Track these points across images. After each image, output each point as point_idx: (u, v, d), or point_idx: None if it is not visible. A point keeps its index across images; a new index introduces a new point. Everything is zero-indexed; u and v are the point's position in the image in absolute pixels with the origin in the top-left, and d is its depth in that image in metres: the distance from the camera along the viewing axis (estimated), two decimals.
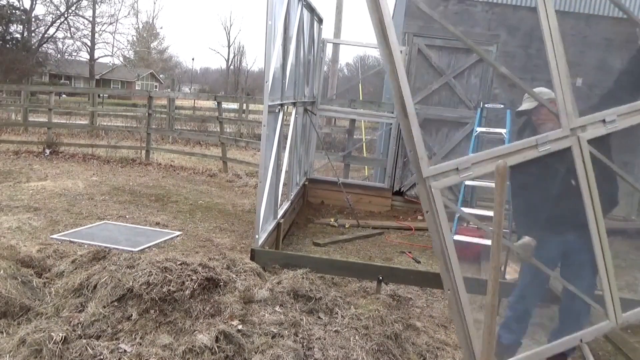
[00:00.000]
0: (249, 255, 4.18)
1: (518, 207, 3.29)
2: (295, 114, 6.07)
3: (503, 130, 5.87)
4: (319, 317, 3.24)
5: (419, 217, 7.50)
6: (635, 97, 2.83)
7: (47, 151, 10.66)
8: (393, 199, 7.88)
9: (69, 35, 34.09)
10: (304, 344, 2.89)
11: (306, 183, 7.51)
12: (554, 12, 2.81)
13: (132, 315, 3.03)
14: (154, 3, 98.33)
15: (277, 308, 3.20)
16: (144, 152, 10.95)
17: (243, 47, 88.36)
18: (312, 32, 6.77)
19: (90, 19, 35.82)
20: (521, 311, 3.29)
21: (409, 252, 5.82)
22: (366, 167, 11.19)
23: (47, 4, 32.87)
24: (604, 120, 2.74)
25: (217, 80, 60.87)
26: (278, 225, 5.07)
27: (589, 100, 7.97)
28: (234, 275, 3.47)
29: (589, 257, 2.77)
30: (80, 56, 37.91)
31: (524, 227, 3.20)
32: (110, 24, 37.76)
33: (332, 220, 6.83)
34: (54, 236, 5.24)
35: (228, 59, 58.23)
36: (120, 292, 3.14)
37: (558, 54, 2.75)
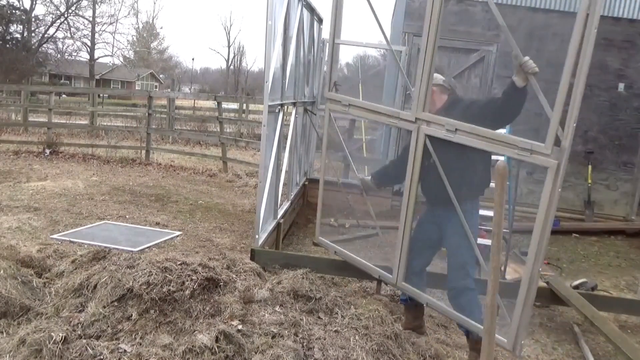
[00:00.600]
0: (249, 255, 4.18)
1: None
2: (295, 114, 6.06)
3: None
4: (319, 317, 3.24)
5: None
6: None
7: (47, 151, 10.66)
8: (393, 199, 7.88)
9: (69, 35, 34.15)
10: (304, 344, 2.89)
11: (306, 183, 7.50)
12: (438, 15, 3.24)
13: (132, 315, 3.03)
14: (154, 3, 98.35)
15: (277, 308, 3.20)
16: (144, 152, 10.95)
17: (243, 47, 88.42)
18: (312, 32, 6.76)
19: (90, 19, 35.87)
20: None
21: None
22: (366, 167, 11.18)
23: (47, 4, 32.93)
24: (444, 126, 3.18)
25: (217, 80, 60.89)
26: (278, 225, 5.07)
27: (588, 99, 7.96)
28: (234, 275, 3.47)
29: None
30: (80, 56, 37.98)
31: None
32: (110, 24, 37.83)
33: (332, 220, 6.83)
34: (54, 236, 5.24)
35: (228, 59, 58.32)
36: (120, 292, 3.14)
37: (428, 53, 3.26)
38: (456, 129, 3.13)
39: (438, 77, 3.53)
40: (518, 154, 2.89)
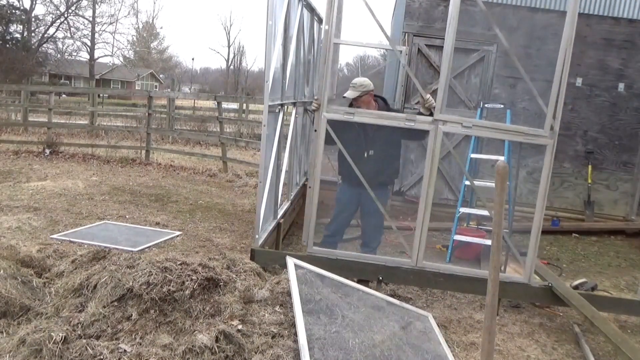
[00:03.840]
0: (249, 255, 4.18)
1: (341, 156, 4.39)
2: (295, 114, 6.06)
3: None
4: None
5: None
6: None
7: (47, 151, 10.66)
8: (393, 199, 7.88)
9: (69, 35, 34.19)
10: None
11: (306, 183, 7.50)
12: (453, 33, 3.97)
13: (132, 315, 3.03)
14: (154, 3, 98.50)
15: (277, 308, 3.20)
16: (144, 152, 10.95)
17: (243, 47, 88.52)
18: (312, 32, 6.76)
19: (90, 19, 35.90)
20: (333, 230, 4.65)
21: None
22: None
23: (47, 4, 32.98)
24: (461, 124, 3.93)
25: (217, 80, 60.86)
26: (278, 225, 5.07)
27: (588, 99, 7.96)
28: (234, 275, 3.47)
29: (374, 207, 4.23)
30: (80, 56, 38.06)
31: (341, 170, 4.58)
32: (110, 24, 37.90)
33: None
34: (54, 236, 5.24)
35: (228, 59, 58.30)
36: (120, 292, 3.14)
37: (444, 65, 3.89)
38: (472, 125, 3.92)
39: (371, 84, 4.34)
40: (526, 138, 3.95)
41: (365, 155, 4.38)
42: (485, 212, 5.36)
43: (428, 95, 4.08)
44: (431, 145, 3.92)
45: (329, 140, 4.16)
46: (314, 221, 4.22)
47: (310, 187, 4.21)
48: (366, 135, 4.39)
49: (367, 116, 4.07)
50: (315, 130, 4.12)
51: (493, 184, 2.46)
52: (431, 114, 3.96)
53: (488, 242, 5.09)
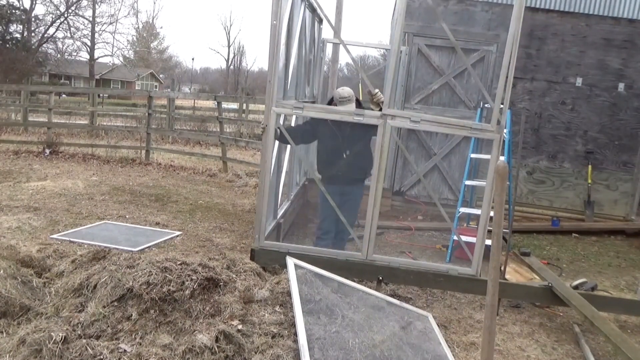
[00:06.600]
0: (249, 255, 4.18)
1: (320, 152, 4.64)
2: None
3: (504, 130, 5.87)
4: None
5: (419, 217, 7.50)
6: None
7: (47, 151, 10.66)
8: (393, 199, 7.88)
9: (69, 35, 34.21)
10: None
11: (306, 183, 7.50)
12: (399, 39, 4.11)
13: (132, 315, 3.03)
14: (154, 3, 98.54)
15: (277, 308, 3.20)
16: (143, 152, 10.95)
17: (243, 47, 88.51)
18: (313, 32, 6.76)
19: (90, 18, 35.91)
20: (326, 228, 4.69)
21: (409, 252, 5.82)
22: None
23: (47, 4, 33.01)
24: (409, 119, 3.92)
25: (217, 80, 60.86)
26: (278, 225, 5.07)
27: (588, 99, 7.95)
28: (234, 275, 3.47)
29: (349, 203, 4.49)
30: (80, 56, 38.09)
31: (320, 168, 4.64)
32: (110, 23, 37.93)
33: None
34: (54, 236, 5.24)
35: (228, 59, 58.31)
36: (120, 292, 3.14)
37: (391, 66, 3.97)
38: (420, 120, 3.90)
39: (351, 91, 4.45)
40: (471, 133, 3.97)
41: (344, 155, 4.43)
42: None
43: (376, 90, 4.06)
44: (380, 140, 3.91)
45: (284, 139, 4.29)
46: (265, 215, 4.19)
47: (260, 182, 4.20)
48: (343, 134, 4.41)
49: (316, 111, 4.07)
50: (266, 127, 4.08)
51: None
52: (380, 109, 3.90)
53: (488, 242, 5.09)
